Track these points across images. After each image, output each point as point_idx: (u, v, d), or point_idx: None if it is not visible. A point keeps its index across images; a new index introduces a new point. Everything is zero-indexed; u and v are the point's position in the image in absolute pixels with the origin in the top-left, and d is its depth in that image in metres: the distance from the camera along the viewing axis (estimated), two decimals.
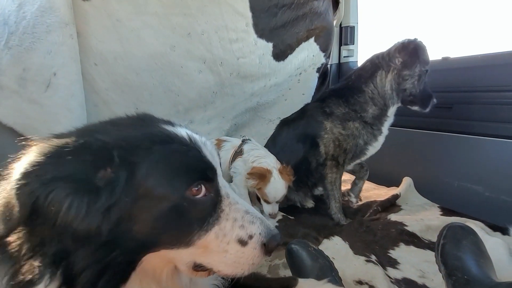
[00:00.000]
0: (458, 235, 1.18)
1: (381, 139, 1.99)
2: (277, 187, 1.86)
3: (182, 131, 0.75)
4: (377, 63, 1.91)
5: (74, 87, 1.82)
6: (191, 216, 0.69)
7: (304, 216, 2.07)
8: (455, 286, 1.02)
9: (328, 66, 2.86)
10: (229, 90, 2.43)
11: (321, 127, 1.98)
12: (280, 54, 2.47)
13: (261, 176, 1.84)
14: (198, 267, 0.74)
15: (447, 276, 1.08)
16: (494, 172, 1.78)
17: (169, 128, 0.75)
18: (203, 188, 0.70)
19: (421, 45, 1.83)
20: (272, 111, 2.70)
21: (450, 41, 2.44)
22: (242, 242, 0.72)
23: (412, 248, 1.60)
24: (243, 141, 2.10)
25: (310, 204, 2.27)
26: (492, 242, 1.40)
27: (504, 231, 1.65)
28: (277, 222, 1.97)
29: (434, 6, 2.72)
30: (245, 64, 2.35)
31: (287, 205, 2.20)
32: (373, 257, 1.50)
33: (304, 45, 2.52)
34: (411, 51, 1.82)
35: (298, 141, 2.09)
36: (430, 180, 2.18)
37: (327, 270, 1.18)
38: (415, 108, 1.88)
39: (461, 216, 1.83)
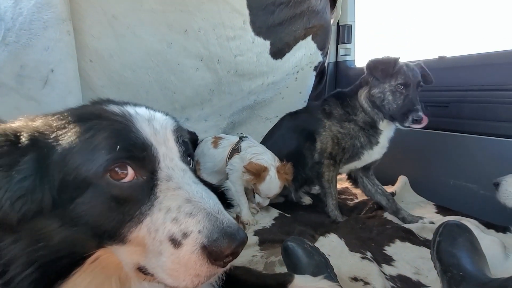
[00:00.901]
0: (454, 233, 1.19)
1: (377, 150, 1.99)
2: (272, 186, 1.87)
3: (119, 107, 0.65)
4: (361, 80, 1.98)
5: (71, 83, 1.80)
6: (116, 204, 0.57)
7: (301, 214, 2.08)
8: (450, 282, 1.03)
9: (326, 64, 2.86)
10: (226, 88, 2.42)
11: (321, 124, 2.02)
12: (277, 52, 2.47)
13: (257, 173, 1.85)
14: (143, 270, 0.61)
15: (443, 273, 1.09)
16: (489, 171, 1.79)
17: (107, 106, 0.65)
18: (130, 170, 0.58)
19: (379, 63, 1.82)
20: (269, 109, 2.70)
21: (446, 40, 2.45)
22: (175, 242, 0.55)
23: (407, 244, 1.62)
24: (240, 139, 2.10)
25: (307, 201, 2.28)
26: (487, 240, 1.42)
27: (498, 229, 1.66)
28: (273, 220, 1.98)
29: (430, 6, 2.73)
30: (242, 62, 2.35)
31: (283, 201, 2.21)
32: (369, 254, 1.51)
33: (301, 43, 2.53)
34: (372, 70, 1.85)
35: (295, 132, 2.14)
36: (425, 178, 2.20)
37: (322, 267, 1.19)
38: (396, 123, 1.86)
39: (456, 214, 1.84)
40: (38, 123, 0.62)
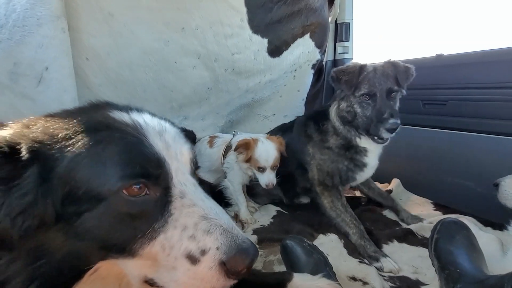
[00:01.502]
0: (452, 230, 1.19)
1: (369, 171, 1.82)
2: (267, 148, 1.82)
3: (129, 116, 0.63)
4: (334, 95, 1.86)
5: (66, 82, 1.78)
6: (130, 221, 0.56)
7: (299, 212, 2.07)
8: (448, 279, 1.04)
9: (323, 62, 2.86)
10: (224, 86, 2.41)
11: (306, 152, 1.91)
12: (275, 50, 2.45)
13: (247, 144, 1.82)
14: (150, 282, 0.61)
15: (440, 270, 1.10)
16: (486, 168, 1.79)
17: (114, 113, 0.63)
18: (145, 187, 0.57)
19: (343, 73, 1.66)
20: (267, 108, 2.69)
21: (444, 38, 2.45)
22: (192, 259, 0.55)
23: (404, 245, 1.62)
24: (234, 136, 2.09)
25: (305, 200, 2.28)
26: (485, 237, 1.43)
27: (495, 226, 1.67)
28: (271, 218, 1.98)
29: (428, 3, 2.73)
30: (240, 60, 2.34)
31: (279, 200, 2.21)
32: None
33: (299, 41, 2.52)
34: (336, 82, 1.70)
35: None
36: (423, 176, 2.20)
37: (321, 265, 1.19)
38: (375, 138, 1.64)
39: (454, 212, 1.85)
40: (37, 132, 0.58)
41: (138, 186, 0.56)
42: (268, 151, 1.81)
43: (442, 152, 2.05)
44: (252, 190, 2.22)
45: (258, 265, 1.45)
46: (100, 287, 0.63)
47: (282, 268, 1.35)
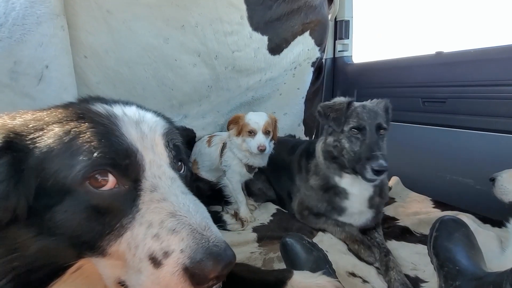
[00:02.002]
0: (450, 228, 1.20)
1: (352, 218, 1.64)
2: (257, 114, 1.87)
3: (106, 107, 0.60)
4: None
5: (67, 80, 1.78)
6: (97, 215, 0.53)
7: None
8: (447, 277, 1.04)
9: (323, 60, 2.85)
10: (224, 84, 2.41)
11: (295, 181, 1.90)
12: (275, 48, 2.45)
13: (237, 117, 1.86)
14: (123, 285, 0.56)
15: (439, 268, 1.10)
16: (485, 166, 1.80)
17: (93, 105, 0.61)
18: (111, 178, 0.54)
19: (330, 110, 1.59)
20: (267, 106, 2.69)
21: (443, 35, 2.45)
22: (155, 262, 0.49)
23: (403, 243, 1.62)
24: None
25: None
26: (484, 234, 1.44)
27: (494, 223, 1.68)
28: (271, 216, 1.98)
29: (428, 1, 2.72)
30: (240, 58, 2.33)
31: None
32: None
33: (299, 39, 2.51)
34: (324, 118, 1.63)
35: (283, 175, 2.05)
36: (423, 173, 2.21)
37: (321, 262, 1.20)
38: (368, 178, 1.46)
39: (453, 209, 1.86)
40: (16, 123, 0.57)
41: (103, 177, 0.53)
42: (258, 115, 1.85)
43: (442, 150, 2.05)
44: (248, 189, 2.22)
45: (258, 262, 1.46)
46: (84, 285, 0.61)
47: (282, 265, 1.35)
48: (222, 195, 2.04)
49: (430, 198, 2.09)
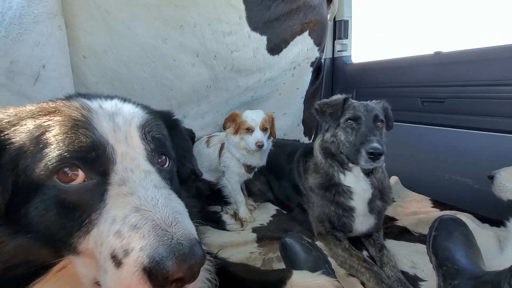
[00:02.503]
0: (449, 227, 1.20)
1: (362, 220, 1.53)
2: (254, 111, 1.86)
3: (82, 101, 0.59)
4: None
5: (64, 80, 1.77)
6: (65, 210, 0.51)
7: (298, 211, 2.07)
8: (446, 276, 1.04)
9: (322, 60, 2.85)
10: (224, 85, 2.40)
11: (302, 190, 1.81)
12: (274, 48, 2.45)
13: (233, 114, 1.85)
14: (99, 285, 0.53)
15: (438, 267, 1.10)
16: (484, 165, 1.80)
17: (71, 100, 0.60)
18: (80, 172, 0.53)
19: (327, 106, 1.58)
20: (267, 106, 2.68)
21: (442, 35, 2.45)
22: (116, 261, 0.46)
23: (402, 242, 1.62)
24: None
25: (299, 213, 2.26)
26: (482, 233, 1.44)
27: (492, 223, 1.68)
28: (271, 217, 1.98)
29: (427, 1, 2.73)
30: (239, 58, 2.33)
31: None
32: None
33: (298, 38, 2.51)
34: (320, 115, 1.62)
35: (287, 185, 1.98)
36: (421, 173, 2.21)
37: (320, 262, 1.20)
38: (364, 164, 1.40)
39: (452, 209, 1.86)
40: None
41: (72, 172, 0.51)
42: (255, 113, 1.85)
43: (440, 149, 2.06)
44: (248, 189, 2.22)
45: (257, 263, 1.45)
46: (69, 284, 0.59)
47: (281, 265, 1.35)
48: (221, 195, 2.04)
49: (429, 198, 2.10)
